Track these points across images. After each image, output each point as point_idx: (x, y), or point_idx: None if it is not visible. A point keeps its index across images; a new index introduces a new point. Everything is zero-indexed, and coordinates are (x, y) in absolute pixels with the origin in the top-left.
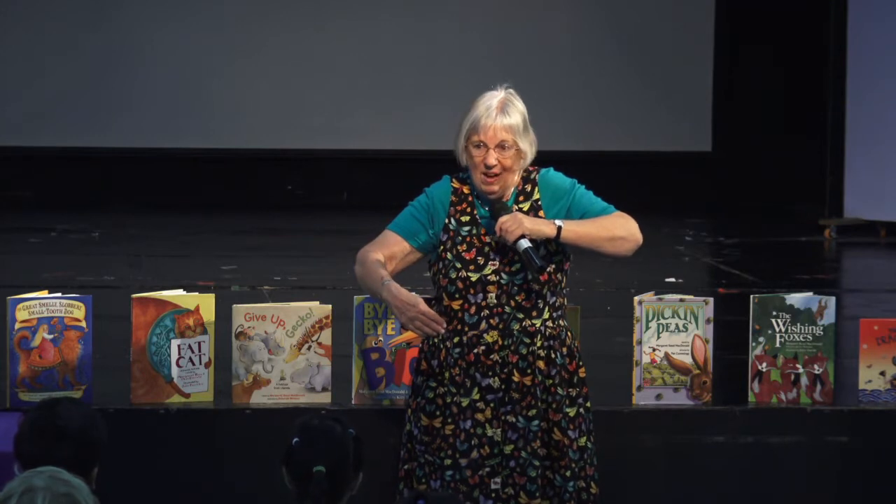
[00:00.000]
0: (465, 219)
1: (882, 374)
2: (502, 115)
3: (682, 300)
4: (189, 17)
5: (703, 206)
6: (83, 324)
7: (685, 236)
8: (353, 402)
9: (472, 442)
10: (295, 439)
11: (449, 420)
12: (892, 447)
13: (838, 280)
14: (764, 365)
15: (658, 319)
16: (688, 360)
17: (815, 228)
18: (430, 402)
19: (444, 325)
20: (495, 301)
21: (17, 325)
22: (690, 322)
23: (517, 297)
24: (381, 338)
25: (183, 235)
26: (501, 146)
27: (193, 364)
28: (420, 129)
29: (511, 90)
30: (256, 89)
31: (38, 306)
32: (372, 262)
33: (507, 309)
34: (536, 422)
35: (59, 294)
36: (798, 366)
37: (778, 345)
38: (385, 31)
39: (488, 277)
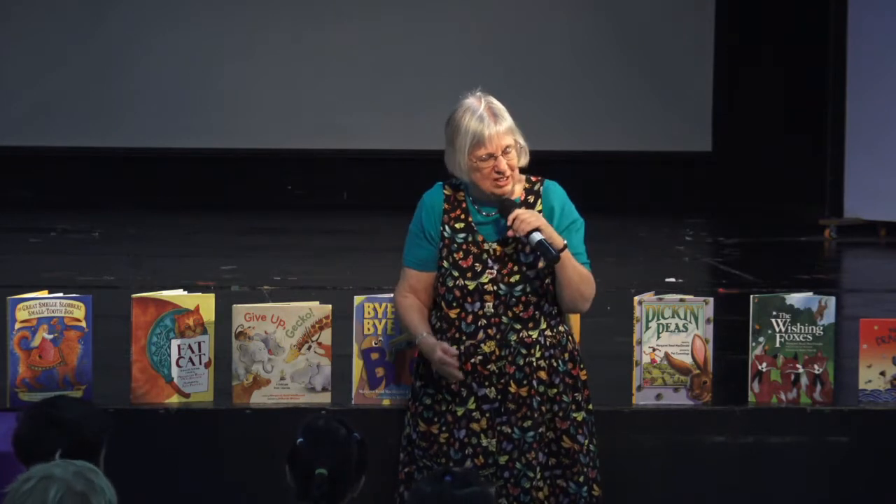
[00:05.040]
0: (459, 226)
1: (882, 374)
2: (497, 120)
3: (682, 300)
4: (189, 17)
5: (703, 206)
6: (83, 324)
7: (685, 236)
8: (353, 402)
9: (467, 451)
10: (300, 439)
11: (444, 428)
12: (892, 447)
13: (838, 280)
14: (764, 365)
15: (658, 319)
16: (688, 360)
17: (815, 228)
18: (427, 408)
19: (456, 364)
20: (492, 311)
21: (17, 325)
22: (690, 322)
23: (514, 309)
24: (381, 338)
25: (183, 235)
26: (506, 150)
27: (193, 364)
28: (420, 129)
29: (483, 93)
30: (256, 89)
31: (38, 306)
32: (405, 308)
33: (505, 319)
34: (531, 433)
35: (59, 294)
36: (798, 366)
37: (778, 345)
38: (385, 32)
39: (485, 286)
